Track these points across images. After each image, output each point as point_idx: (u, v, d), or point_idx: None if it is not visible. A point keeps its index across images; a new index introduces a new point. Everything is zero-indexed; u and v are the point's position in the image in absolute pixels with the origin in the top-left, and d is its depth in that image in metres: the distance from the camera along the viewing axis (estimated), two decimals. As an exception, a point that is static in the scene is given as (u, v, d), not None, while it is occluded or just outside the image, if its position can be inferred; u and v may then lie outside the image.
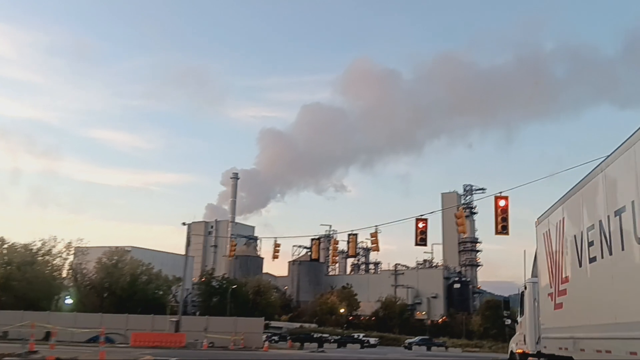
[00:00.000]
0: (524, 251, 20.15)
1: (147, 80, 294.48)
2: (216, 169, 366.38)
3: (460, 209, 31.34)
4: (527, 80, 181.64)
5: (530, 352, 18.76)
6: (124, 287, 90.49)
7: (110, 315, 57.38)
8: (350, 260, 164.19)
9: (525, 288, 19.70)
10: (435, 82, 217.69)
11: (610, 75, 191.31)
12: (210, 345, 50.71)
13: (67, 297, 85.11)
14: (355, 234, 37.03)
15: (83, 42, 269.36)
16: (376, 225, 36.23)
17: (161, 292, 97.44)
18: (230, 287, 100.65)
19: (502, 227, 30.06)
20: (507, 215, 30.22)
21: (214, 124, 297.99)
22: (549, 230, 16.24)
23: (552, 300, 15.70)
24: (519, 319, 20.54)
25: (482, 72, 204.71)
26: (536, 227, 17.67)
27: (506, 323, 22.63)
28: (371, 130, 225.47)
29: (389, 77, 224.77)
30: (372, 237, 36.08)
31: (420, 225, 33.63)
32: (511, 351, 21.29)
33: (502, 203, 30.25)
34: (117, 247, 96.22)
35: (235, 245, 44.01)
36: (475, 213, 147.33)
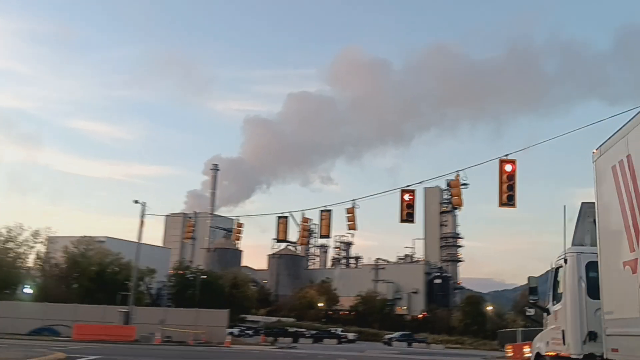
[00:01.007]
0: (564, 207, 13.42)
1: (131, 70, 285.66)
2: (199, 161, 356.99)
3: (456, 177, 24.60)
4: (518, 75, 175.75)
5: (574, 356, 12.03)
6: (91, 277, 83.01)
7: (57, 305, 49.88)
8: (330, 255, 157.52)
9: (566, 262, 12.89)
10: (426, 73, 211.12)
11: (600, 71, 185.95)
12: (167, 339, 43.57)
13: (25, 287, 77.46)
14: (329, 210, 30.28)
15: (67, 30, 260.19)
16: (353, 200, 29.50)
17: (131, 284, 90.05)
18: (200, 279, 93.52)
19: (507, 197, 23.41)
20: (514, 183, 23.56)
21: (198, 115, 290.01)
22: (627, 158, 9.50)
23: (635, 271, 8.98)
24: (550, 307, 13.77)
25: (473, 65, 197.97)
26: (595, 161, 10.96)
27: (528, 314, 15.89)
28: (359, 121, 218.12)
29: (378, 67, 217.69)
30: (348, 212, 29.30)
31: (407, 197, 26.90)
32: (537, 354, 14.45)
33: (508, 168, 23.60)
34: (84, 236, 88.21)
35: (192, 227, 36.97)
36: (457, 208, 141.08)
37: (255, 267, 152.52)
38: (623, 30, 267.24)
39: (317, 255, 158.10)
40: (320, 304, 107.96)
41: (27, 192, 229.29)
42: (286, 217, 32.41)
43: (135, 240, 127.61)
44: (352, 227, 29.18)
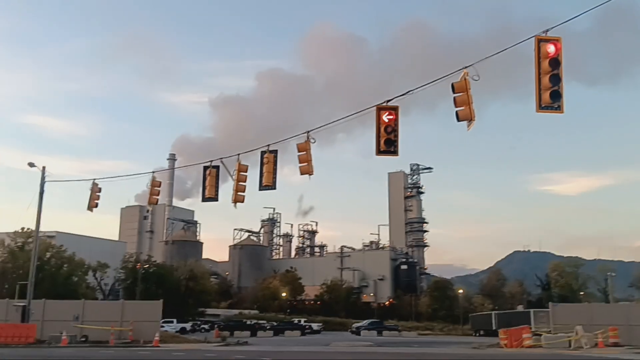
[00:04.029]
0: None
1: (84, 64, 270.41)
2: (158, 154, 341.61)
3: (464, 73, 14.92)
4: (500, 53, 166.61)
5: None
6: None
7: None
8: (294, 244, 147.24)
9: None
10: (401, 49, 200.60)
11: (578, 51, 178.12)
12: (82, 339, 33.05)
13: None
14: (274, 151, 20.46)
15: (18, 25, 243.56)
16: (307, 131, 19.68)
17: (75, 278, 78.78)
18: (154, 272, 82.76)
19: (551, 94, 13.97)
20: (560, 72, 14.14)
21: (156, 107, 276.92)
22: None
23: None
24: None
25: (451, 41, 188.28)
26: None
27: None
28: (332, 101, 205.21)
29: (350, 43, 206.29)
30: (300, 150, 19.49)
31: (386, 117, 17.24)
32: None
33: (551, 49, 14.15)
34: (23, 229, 76.28)
35: (99, 192, 26.46)
36: (422, 193, 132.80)
37: (217, 260, 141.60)
38: (603, 9, 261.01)
39: (281, 245, 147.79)
40: (284, 295, 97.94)
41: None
42: (217, 167, 22.39)
43: (87, 234, 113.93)
44: (306, 171, 19.33)
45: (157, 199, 24.26)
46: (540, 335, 34.27)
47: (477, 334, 70.37)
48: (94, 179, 26.14)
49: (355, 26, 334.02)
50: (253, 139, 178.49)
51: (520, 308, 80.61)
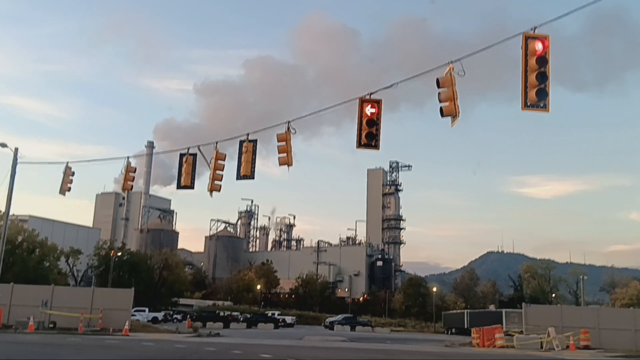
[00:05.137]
0: None
1: (67, 46, 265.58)
2: (140, 141, 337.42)
3: (450, 68, 14.67)
4: (488, 54, 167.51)
5: None
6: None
7: None
8: (271, 237, 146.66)
9: None
10: (390, 44, 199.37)
11: (567, 56, 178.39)
12: (50, 325, 32.23)
13: None
14: (253, 141, 19.96)
15: (0, 3, 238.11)
16: (289, 121, 19.24)
17: (47, 264, 77.16)
18: (127, 260, 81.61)
19: (537, 92, 13.75)
20: (547, 70, 13.92)
21: (137, 93, 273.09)
22: None
23: None
24: None
25: (443, 40, 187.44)
26: None
27: None
28: (320, 94, 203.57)
29: (343, 36, 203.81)
30: (280, 140, 19.05)
31: (369, 110, 16.87)
32: None
33: (538, 47, 13.93)
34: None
35: (72, 175, 25.69)
36: (400, 190, 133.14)
37: (193, 250, 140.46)
38: (594, 14, 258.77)
39: (257, 238, 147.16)
40: (258, 287, 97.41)
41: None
42: (194, 154, 21.83)
43: (61, 219, 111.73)
44: (285, 162, 18.91)
45: (132, 185, 23.63)
46: (513, 335, 34.38)
47: (449, 332, 70.79)
48: (67, 162, 25.38)
49: (348, 17, 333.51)
50: (240, 127, 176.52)
51: (492, 308, 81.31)
